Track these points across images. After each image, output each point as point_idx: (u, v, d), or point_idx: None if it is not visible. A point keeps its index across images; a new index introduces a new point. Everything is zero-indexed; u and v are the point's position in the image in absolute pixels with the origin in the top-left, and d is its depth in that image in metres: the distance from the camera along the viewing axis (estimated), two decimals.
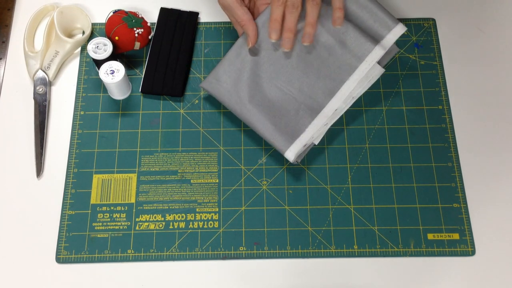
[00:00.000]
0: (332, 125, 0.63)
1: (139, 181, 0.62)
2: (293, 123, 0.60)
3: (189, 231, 0.60)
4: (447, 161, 0.63)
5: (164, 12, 0.69)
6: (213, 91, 0.62)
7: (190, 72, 0.68)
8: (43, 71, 0.66)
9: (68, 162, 0.62)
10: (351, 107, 0.65)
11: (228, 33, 0.70)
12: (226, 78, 0.61)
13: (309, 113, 0.60)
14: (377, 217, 0.60)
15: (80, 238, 0.59)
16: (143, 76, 0.66)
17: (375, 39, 0.60)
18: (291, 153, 0.59)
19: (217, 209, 0.61)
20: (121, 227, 0.60)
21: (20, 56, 0.68)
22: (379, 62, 0.61)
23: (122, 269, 0.58)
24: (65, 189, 0.61)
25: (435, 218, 0.60)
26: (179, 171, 0.62)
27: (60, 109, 0.66)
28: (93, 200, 0.61)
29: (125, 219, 0.60)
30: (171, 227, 0.60)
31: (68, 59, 0.68)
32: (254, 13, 0.63)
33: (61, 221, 0.60)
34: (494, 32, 0.70)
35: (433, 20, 0.71)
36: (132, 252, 0.59)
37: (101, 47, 0.63)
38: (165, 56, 0.67)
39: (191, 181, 0.62)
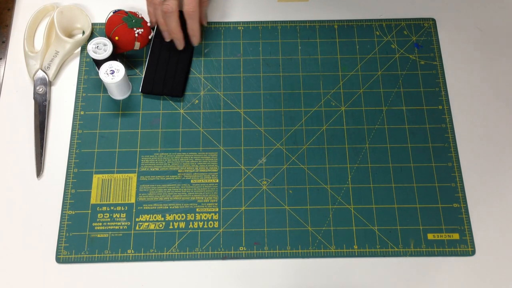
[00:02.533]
0: (332, 125, 0.64)
1: (139, 181, 0.62)
2: None
3: (189, 231, 0.60)
4: (447, 161, 0.63)
5: None
6: None
7: (190, 72, 0.68)
8: (43, 71, 0.66)
9: (68, 162, 0.62)
10: (351, 107, 0.65)
11: (228, 33, 0.70)
12: None
13: None
14: (377, 217, 0.60)
15: (80, 238, 0.59)
16: (143, 77, 0.66)
17: None
18: None
19: (217, 209, 0.61)
20: (121, 227, 0.60)
21: (20, 56, 0.68)
22: None
23: (122, 269, 0.58)
24: (65, 189, 0.61)
25: (435, 218, 0.60)
26: (179, 171, 0.62)
27: (60, 109, 0.66)
28: (93, 200, 0.61)
29: (125, 219, 0.60)
30: (171, 227, 0.60)
31: (68, 59, 0.68)
32: None
33: (61, 221, 0.60)
34: (494, 32, 0.70)
35: (433, 20, 0.71)
36: (132, 252, 0.59)
37: (101, 47, 0.63)
38: (166, 56, 0.67)
39: (191, 181, 0.62)
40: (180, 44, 0.66)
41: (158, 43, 0.68)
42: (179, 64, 0.67)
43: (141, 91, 0.66)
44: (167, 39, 0.67)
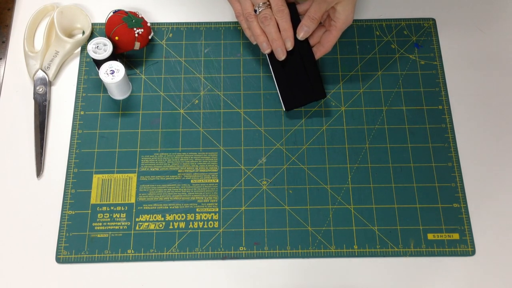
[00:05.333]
0: (332, 125, 0.64)
1: (139, 181, 0.62)
2: None
3: (189, 231, 0.60)
4: (447, 161, 0.63)
5: None
6: None
7: (190, 73, 0.68)
8: (43, 71, 0.66)
9: (68, 162, 0.62)
10: (351, 107, 0.65)
11: (228, 33, 0.70)
12: None
13: None
14: (377, 217, 0.60)
15: (80, 238, 0.59)
16: (280, 97, 0.64)
17: None
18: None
19: (217, 209, 0.61)
20: (121, 227, 0.60)
21: (20, 56, 0.68)
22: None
23: (122, 269, 0.58)
24: (65, 189, 0.61)
25: (435, 218, 0.60)
26: (179, 171, 0.62)
27: (60, 109, 0.66)
28: (93, 200, 0.61)
29: (125, 219, 0.60)
30: (171, 227, 0.60)
31: (68, 59, 0.68)
32: None
33: (61, 221, 0.60)
34: (494, 32, 0.70)
35: (433, 20, 0.71)
36: (132, 252, 0.59)
37: (101, 47, 0.63)
38: (289, 65, 0.64)
39: (191, 181, 0.62)
40: (281, 52, 0.62)
41: (274, 57, 0.64)
42: (307, 65, 0.64)
43: (286, 110, 0.64)
44: (266, 51, 0.63)
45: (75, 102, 0.66)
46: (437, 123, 0.65)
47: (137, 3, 0.71)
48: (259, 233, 0.60)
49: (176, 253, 0.59)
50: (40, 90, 0.65)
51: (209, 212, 0.61)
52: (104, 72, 0.62)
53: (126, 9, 0.67)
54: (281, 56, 0.62)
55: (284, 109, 0.65)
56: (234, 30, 0.70)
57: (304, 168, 0.63)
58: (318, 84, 0.64)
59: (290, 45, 0.62)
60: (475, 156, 0.64)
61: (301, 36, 0.62)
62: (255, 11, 0.62)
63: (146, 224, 0.60)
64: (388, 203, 0.61)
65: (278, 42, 0.62)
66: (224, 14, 0.71)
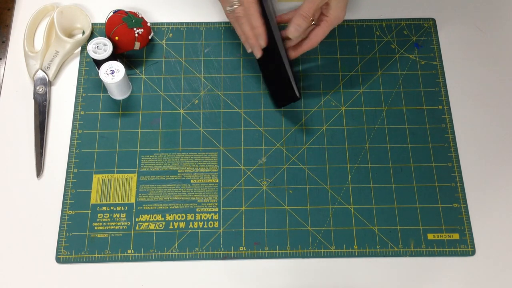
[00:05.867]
0: (332, 125, 0.64)
1: (139, 181, 0.62)
2: None
3: (189, 231, 0.60)
4: (447, 161, 0.63)
5: None
6: None
7: (190, 73, 0.68)
8: (43, 71, 0.66)
9: (68, 162, 0.62)
10: (351, 107, 0.65)
11: (228, 33, 0.70)
12: None
13: None
14: (377, 217, 0.60)
15: (80, 238, 0.59)
16: (270, 95, 0.66)
17: None
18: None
19: (217, 209, 0.61)
20: (121, 227, 0.60)
21: (20, 56, 0.68)
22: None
23: (122, 269, 0.58)
24: (65, 189, 0.61)
25: (435, 218, 0.60)
26: (179, 171, 0.62)
27: (60, 109, 0.66)
28: (93, 200, 0.61)
29: (125, 219, 0.60)
30: (171, 227, 0.60)
31: (68, 59, 0.68)
32: None
33: (61, 221, 0.60)
34: (494, 32, 0.70)
35: (433, 20, 0.71)
36: (132, 252, 0.59)
37: (101, 47, 0.63)
38: (269, 68, 0.64)
39: (191, 181, 0.62)
40: (257, 50, 0.61)
41: (261, 61, 0.64)
42: (280, 70, 0.63)
43: (276, 108, 0.65)
44: (249, 51, 0.62)
45: (75, 102, 0.66)
46: (437, 123, 0.65)
47: (137, 3, 0.71)
48: (259, 233, 0.60)
49: (176, 253, 0.59)
50: (40, 90, 0.65)
51: (209, 212, 0.61)
52: (104, 72, 0.62)
53: (126, 9, 0.67)
54: (257, 54, 0.62)
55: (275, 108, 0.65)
56: (234, 30, 0.70)
57: (304, 168, 0.63)
58: (289, 86, 0.62)
59: (263, 43, 0.61)
60: (475, 156, 0.64)
61: (292, 34, 0.60)
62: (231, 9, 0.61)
63: (146, 224, 0.60)
64: (388, 203, 0.61)
65: (252, 41, 0.61)
66: (224, 14, 0.71)
